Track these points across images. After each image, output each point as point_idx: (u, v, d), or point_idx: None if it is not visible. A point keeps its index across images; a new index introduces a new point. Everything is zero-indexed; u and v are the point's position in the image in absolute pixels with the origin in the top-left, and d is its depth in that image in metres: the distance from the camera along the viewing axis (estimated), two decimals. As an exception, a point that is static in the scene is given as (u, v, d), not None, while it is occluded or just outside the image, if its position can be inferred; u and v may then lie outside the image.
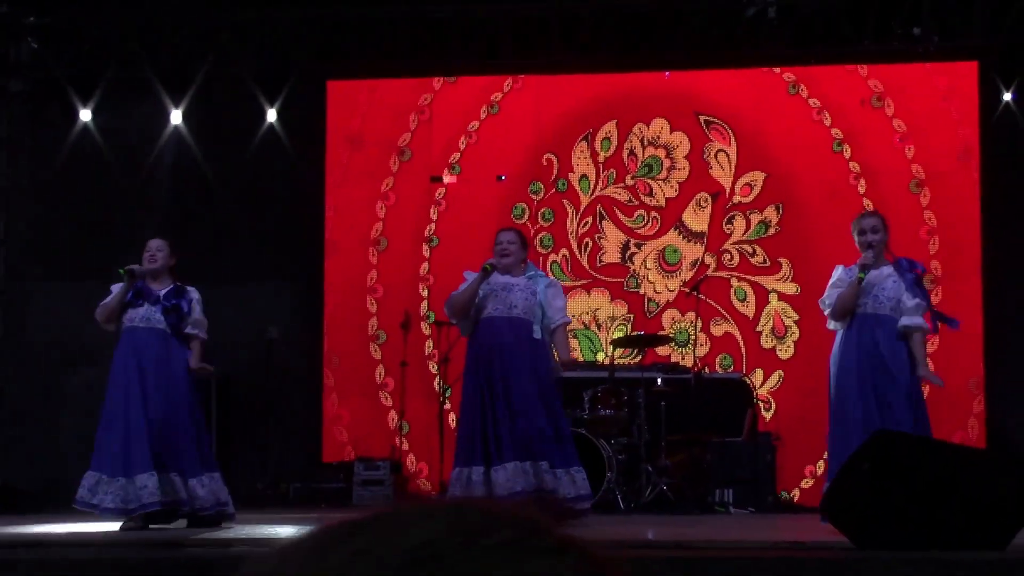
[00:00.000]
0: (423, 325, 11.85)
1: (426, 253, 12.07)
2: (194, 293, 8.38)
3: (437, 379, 11.34)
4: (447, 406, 10.99)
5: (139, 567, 5.24)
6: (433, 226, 12.07)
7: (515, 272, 8.37)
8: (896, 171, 11.55)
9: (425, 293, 11.96)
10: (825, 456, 8.45)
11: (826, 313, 8.04)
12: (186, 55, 11.93)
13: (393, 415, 11.81)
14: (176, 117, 11.94)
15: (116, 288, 8.31)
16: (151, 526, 8.05)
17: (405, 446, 11.74)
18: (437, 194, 12.09)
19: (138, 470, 7.93)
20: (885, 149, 11.63)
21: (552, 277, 8.90)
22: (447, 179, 12.07)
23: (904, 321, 7.88)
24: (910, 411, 7.71)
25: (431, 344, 11.75)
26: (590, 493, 8.42)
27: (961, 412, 11.16)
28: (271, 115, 11.91)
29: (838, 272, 8.08)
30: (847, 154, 11.68)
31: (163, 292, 8.30)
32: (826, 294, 8.05)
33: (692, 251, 11.81)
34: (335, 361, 11.97)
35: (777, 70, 11.83)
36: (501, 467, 8.06)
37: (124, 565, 5.20)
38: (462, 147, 12.11)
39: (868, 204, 11.28)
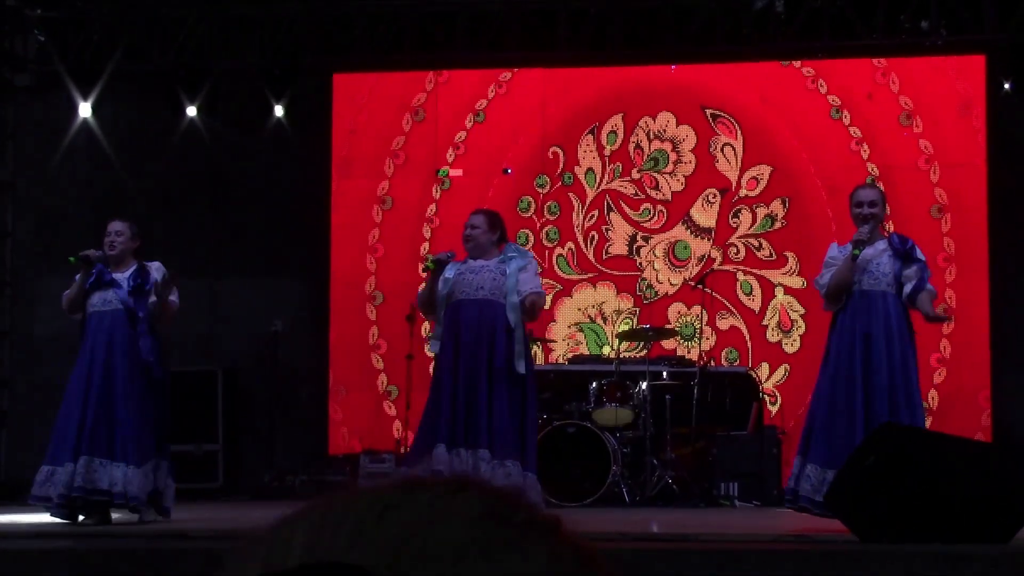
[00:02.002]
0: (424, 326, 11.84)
1: (424, 249, 12.07)
2: (155, 264, 8.11)
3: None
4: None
5: (142, 558, 5.25)
6: (434, 215, 12.07)
7: (488, 255, 8.13)
8: (918, 195, 11.45)
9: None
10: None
11: (822, 294, 7.84)
12: (193, 49, 11.93)
13: (392, 406, 11.84)
14: (191, 111, 11.93)
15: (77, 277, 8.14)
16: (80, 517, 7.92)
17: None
18: (435, 190, 12.08)
19: (79, 455, 7.80)
20: (909, 170, 11.54)
21: (527, 257, 8.44)
22: (453, 172, 12.08)
23: (908, 289, 7.69)
24: (897, 398, 7.56)
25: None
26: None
27: (969, 410, 11.15)
28: (278, 109, 11.91)
29: (832, 250, 7.83)
30: (864, 153, 11.64)
31: (125, 275, 8.08)
32: (820, 274, 7.85)
33: (700, 246, 11.81)
34: (342, 391, 11.97)
35: (797, 63, 11.78)
36: (457, 452, 7.85)
37: (128, 556, 5.21)
38: (466, 141, 12.10)
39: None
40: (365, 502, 0.89)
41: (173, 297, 8.05)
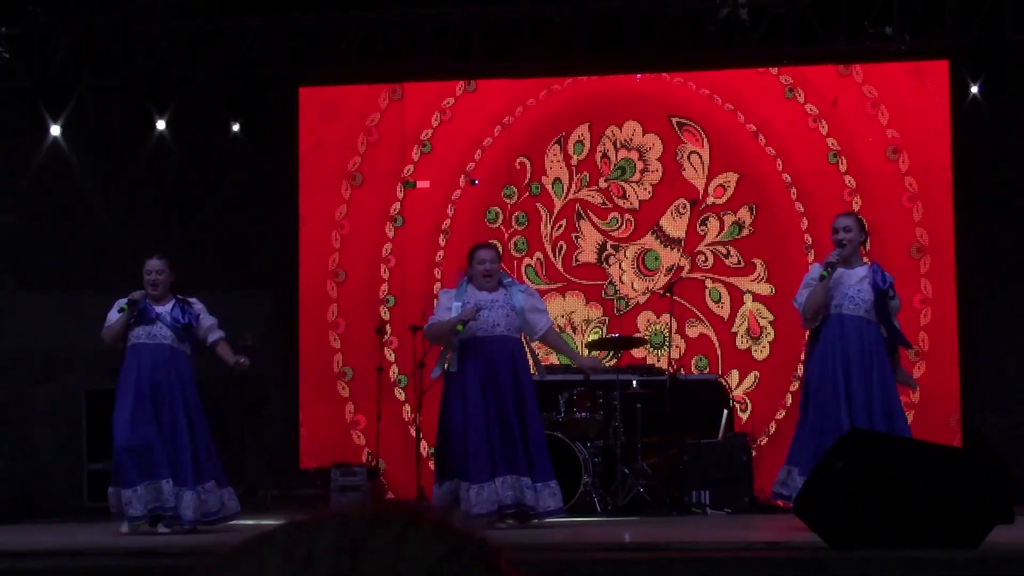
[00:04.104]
0: (387, 327, 11.83)
1: (388, 257, 12.05)
2: (197, 304, 8.79)
3: (400, 383, 11.38)
4: (408, 407, 10.97)
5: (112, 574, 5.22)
6: (400, 226, 12.05)
7: (494, 288, 8.65)
8: (900, 232, 11.45)
9: (389, 301, 11.94)
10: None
11: (799, 312, 8.01)
12: (158, 63, 11.88)
13: (346, 387, 11.89)
14: (160, 125, 11.88)
15: (117, 302, 8.65)
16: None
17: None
18: (396, 203, 12.07)
19: (158, 475, 8.47)
20: (893, 206, 11.55)
21: (523, 283, 9.09)
22: (420, 184, 12.06)
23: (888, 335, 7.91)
24: (880, 414, 7.71)
25: (392, 354, 11.76)
26: (560, 507, 8.74)
27: (940, 415, 11.18)
28: (244, 123, 11.87)
29: (813, 271, 8.06)
30: (843, 166, 11.66)
31: (167, 308, 8.65)
32: (799, 293, 8.02)
33: (670, 256, 11.82)
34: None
35: (775, 71, 11.80)
36: (494, 481, 8.39)
37: (94, 573, 5.18)
38: (432, 152, 12.09)
39: (855, 201, 11.29)
40: (331, 536, 0.90)
41: (221, 333, 8.87)
